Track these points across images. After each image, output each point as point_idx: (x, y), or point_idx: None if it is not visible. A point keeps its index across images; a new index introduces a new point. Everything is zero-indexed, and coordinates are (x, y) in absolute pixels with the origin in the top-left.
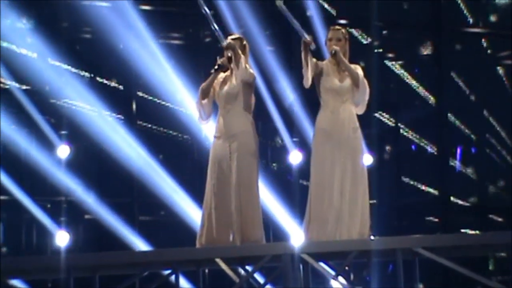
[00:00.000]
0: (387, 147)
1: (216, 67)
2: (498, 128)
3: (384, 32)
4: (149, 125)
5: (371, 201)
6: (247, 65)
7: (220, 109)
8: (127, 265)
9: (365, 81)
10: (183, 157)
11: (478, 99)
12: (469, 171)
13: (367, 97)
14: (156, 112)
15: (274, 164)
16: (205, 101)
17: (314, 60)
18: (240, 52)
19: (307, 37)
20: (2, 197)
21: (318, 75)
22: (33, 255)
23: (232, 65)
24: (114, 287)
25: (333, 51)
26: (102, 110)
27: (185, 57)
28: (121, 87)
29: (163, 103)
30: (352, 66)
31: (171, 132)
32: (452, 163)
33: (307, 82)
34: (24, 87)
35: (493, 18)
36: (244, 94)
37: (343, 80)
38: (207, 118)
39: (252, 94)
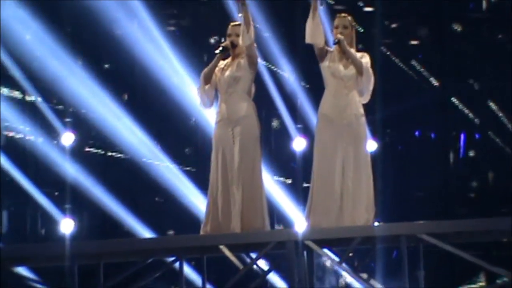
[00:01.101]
0: (390, 134)
1: (220, 48)
2: (500, 114)
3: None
4: (150, 112)
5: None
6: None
7: (221, 94)
8: (131, 253)
9: (370, 70)
10: (187, 143)
11: (482, 86)
12: (472, 157)
13: (371, 86)
14: (157, 98)
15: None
16: (207, 86)
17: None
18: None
19: None
20: (6, 185)
21: (323, 59)
22: (38, 243)
23: (242, 28)
24: (118, 275)
25: (336, 40)
26: (104, 97)
27: (186, 43)
28: (122, 73)
29: (165, 89)
30: (359, 54)
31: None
32: (455, 149)
33: (308, 37)
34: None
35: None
36: (246, 78)
37: (348, 67)
38: (210, 104)
39: (253, 79)
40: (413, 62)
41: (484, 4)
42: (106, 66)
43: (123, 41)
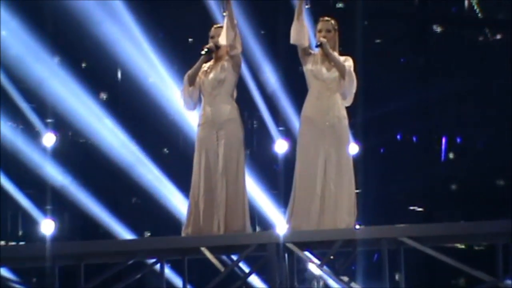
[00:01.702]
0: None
1: (205, 50)
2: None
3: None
4: (133, 114)
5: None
6: (237, 38)
7: (205, 97)
8: (112, 254)
9: (353, 74)
10: (168, 146)
11: (463, 87)
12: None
13: (354, 89)
14: (140, 100)
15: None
16: (191, 88)
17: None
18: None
19: None
20: None
21: (306, 62)
22: (18, 244)
23: (225, 24)
24: (99, 276)
25: (318, 42)
26: (85, 97)
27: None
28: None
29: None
30: (343, 58)
31: (155, 120)
32: (437, 153)
33: (293, 37)
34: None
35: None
36: (230, 81)
37: (330, 69)
38: (194, 106)
39: (236, 81)
40: (395, 64)
41: (466, 5)
42: (84, 65)
43: (103, 41)
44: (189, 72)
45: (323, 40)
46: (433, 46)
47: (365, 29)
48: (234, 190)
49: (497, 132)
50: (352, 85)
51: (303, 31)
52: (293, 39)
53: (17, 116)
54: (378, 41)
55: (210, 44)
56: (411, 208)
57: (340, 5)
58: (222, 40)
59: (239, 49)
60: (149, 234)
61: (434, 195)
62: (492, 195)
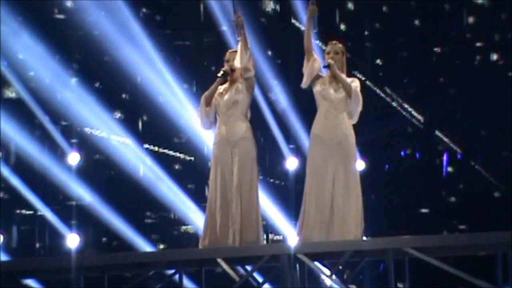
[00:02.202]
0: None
1: (222, 72)
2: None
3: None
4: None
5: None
6: (251, 61)
7: (221, 116)
8: (134, 265)
9: (359, 93)
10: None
11: (464, 107)
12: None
13: (359, 108)
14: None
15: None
16: (208, 108)
17: (316, 57)
18: (247, 38)
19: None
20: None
21: (315, 83)
22: (45, 256)
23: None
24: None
25: (327, 63)
26: (108, 119)
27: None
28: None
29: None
30: (350, 79)
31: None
32: (439, 168)
33: (305, 82)
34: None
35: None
36: (244, 101)
37: (338, 90)
38: (210, 125)
39: (250, 102)
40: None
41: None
42: (100, 86)
43: (124, 65)
44: (206, 93)
45: (331, 62)
46: (433, 66)
47: (368, 50)
48: (248, 204)
49: (494, 149)
50: (358, 105)
51: (311, 74)
52: (303, 83)
53: (43, 137)
54: (379, 62)
55: (226, 67)
56: (415, 219)
57: (343, 27)
58: (237, 63)
59: (252, 72)
60: (162, 246)
61: (435, 207)
62: (490, 207)
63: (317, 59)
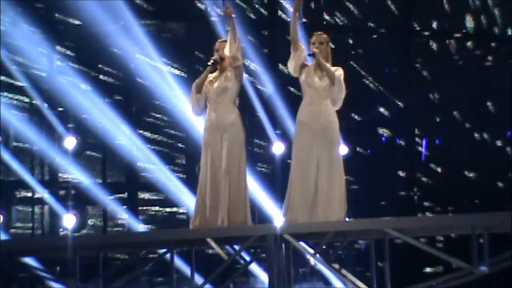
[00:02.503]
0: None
1: (211, 61)
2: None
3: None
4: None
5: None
6: (239, 51)
7: (211, 103)
8: (127, 245)
9: (342, 81)
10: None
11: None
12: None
13: (342, 95)
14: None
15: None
16: (199, 95)
17: (303, 48)
18: (236, 28)
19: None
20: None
21: (301, 73)
22: (43, 236)
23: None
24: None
25: (312, 52)
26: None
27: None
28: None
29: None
30: (334, 68)
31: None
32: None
33: (292, 71)
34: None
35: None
36: (233, 89)
37: (322, 78)
38: (201, 112)
39: (238, 89)
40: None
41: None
42: (104, 78)
43: (120, 55)
44: (197, 81)
45: (315, 50)
46: (414, 57)
47: (352, 42)
48: (236, 187)
49: (471, 134)
50: (340, 92)
51: (298, 63)
52: (292, 72)
53: (42, 122)
54: (360, 51)
55: (215, 56)
56: (395, 202)
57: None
58: (226, 52)
59: (241, 61)
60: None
61: (415, 190)
62: (465, 189)
63: (303, 49)
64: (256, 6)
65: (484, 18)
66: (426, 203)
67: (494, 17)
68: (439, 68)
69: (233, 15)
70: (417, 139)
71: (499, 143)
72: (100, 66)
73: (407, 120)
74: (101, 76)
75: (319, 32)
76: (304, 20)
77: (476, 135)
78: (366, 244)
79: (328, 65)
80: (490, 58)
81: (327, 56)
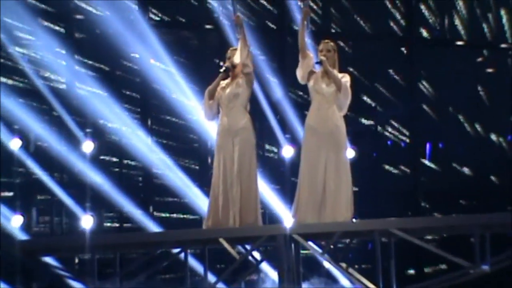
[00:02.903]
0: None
1: (224, 68)
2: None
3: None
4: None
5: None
6: (249, 58)
7: (223, 108)
8: (143, 244)
9: (348, 88)
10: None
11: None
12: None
13: (348, 101)
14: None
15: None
16: (211, 102)
17: (311, 56)
18: (246, 36)
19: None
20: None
21: (309, 79)
22: (62, 236)
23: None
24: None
25: (319, 59)
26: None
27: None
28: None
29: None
30: (341, 74)
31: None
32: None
33: (300, 79)
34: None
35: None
36: (244, 95)
37: (329, 85)
38: (213, 117)
39: (249, 95)
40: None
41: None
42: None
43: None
44: (209, 87)
45: (323, 58)
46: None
47: (356, 48)
48: (248, 188)
49: (473, 139)
50: (346, 98)
51: (307, 71)
52: (300, 79)
53: (61, 127)
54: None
55: (227, 63)
56: (401, 204)
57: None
58: (236, 59)
59: (251, 68)
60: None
61: (419, 192)
62: (467, 192)
63: (311, 57)
64: (267, 13)
65: (487, 26)
66: (428, 204)
67: (491, 25)
68: (442, 73)
69: (243, 24)
70: (421, 142)
71: (494, 139)
72: (118, 73)
73: (411, 124)
74: (116, 84)
75: (326, 40)
76: (312, 28)
77: (476, 134)
78: (372, 243)
79: (335, 71)
80: (489, 65)
81: (334, 63)
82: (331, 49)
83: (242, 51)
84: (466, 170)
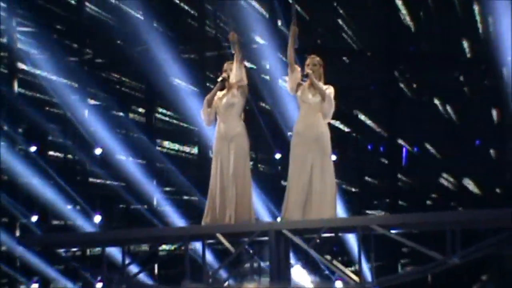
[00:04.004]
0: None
1: (221, 78)
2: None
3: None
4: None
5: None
6: (243, 72)
7: (220, 116)
8: (147, 239)
9: (332, 98)
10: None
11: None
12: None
13: (332, 110)
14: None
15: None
16: (209, 109)
17: (299, 70)
18: (241, 53)
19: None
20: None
21: (297, 90)
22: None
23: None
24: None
25: (306, 73)
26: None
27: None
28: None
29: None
30: (326, 86)
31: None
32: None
33: (290, 91)
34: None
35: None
36: (239, 104)
37: (315, 95)
38: (211, 123)
39: (244, 105)
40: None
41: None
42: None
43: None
44: (207, 96)
45: (309, 71)
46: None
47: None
48: (242, 189)
49: (443, 144)
50: (330, 107)
51: (295, 83)
52: (289, 90)
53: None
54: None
55: (224, 74)
56: (379, 201)
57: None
58: (232, 78)
59: (245, 81)
60: None
61: (396, 191)
62: (441, 191)
63: (298, 70)
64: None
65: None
66: (406, 203)
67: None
68: (418, 87)
69: (238, 41)
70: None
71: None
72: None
73: (390, 132)
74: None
75: (312, 55)
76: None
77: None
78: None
79: (321, 83)
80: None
81: (320, 76)
82: (316, 63)
83: (237, 69)
84: (439, 171)
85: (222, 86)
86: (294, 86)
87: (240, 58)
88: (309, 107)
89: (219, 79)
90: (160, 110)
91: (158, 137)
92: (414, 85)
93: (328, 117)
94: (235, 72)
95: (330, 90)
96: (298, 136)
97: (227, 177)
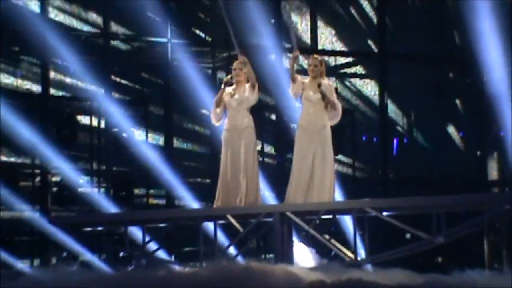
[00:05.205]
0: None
1: (230, 76)
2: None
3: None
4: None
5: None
6: (255, 88)
7: (231, 110)
8: (164, 219)
9: (340, 109)
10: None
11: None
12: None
13: (339, 117)
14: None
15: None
16: (218, 109)
17: (300, 79)
18: (252, 72)
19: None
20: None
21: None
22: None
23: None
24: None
25: (318, 85)
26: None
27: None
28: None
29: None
30: (327, 81)
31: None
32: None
33: (291, 76)
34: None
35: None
36: (249, 100)
37: (316, 92)
38: (219, 121)
39: (252, 103)
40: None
41: None
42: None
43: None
44: (216, 97)
45: (322, 90)
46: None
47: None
48: (251, 175)
49: (432, 136)
50: (337, 115)
51: (298, 90)
52: (293, 96)
53: None
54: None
55: (228, 77)
56: (373, 187)
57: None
58: (244, 103)
59: (256, 87)
60: None
61: (388, 178)
62: (428, 177)
63: (299, 80)
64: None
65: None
66: (396, 189)
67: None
68: (410, 82)
69: (247, 62)
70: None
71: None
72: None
73: (383, 124)
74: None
75: (315, 56)
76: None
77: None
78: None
79: (324, 81)
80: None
81: (322, 73)
82: (317, 64)
83: (251, 92)
84: (428, 161)
85: (230, 84)
86: (297, 92)
87: (252, 75)
88: (310, 103)
89: (227, 78)
90: None
91: None
92: None
93: (335, 121)
94: (249, 97)
95: (333, 93)
96: (302, 129)
97: (237, 165)
